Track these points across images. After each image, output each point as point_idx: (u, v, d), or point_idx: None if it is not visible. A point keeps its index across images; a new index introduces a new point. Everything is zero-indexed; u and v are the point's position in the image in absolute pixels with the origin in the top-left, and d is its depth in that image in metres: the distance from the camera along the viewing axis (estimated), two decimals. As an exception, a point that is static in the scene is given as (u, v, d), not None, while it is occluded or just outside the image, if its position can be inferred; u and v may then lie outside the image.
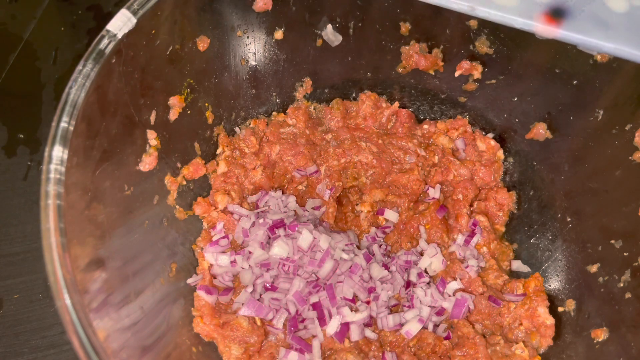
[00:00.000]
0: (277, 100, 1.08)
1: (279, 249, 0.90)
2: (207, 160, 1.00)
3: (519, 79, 0.97)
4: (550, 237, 0.98)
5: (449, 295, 0.93)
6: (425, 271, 0.96)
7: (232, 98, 1.02)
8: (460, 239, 0.99)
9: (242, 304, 0.88)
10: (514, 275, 1.00)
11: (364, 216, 1.05)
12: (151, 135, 0.85)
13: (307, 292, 0.89)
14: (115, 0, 1.33)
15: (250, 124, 1.06)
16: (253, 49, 1.00)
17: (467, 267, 0.95)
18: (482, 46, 0.97)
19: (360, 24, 1.00)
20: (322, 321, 0.88)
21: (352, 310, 0.89)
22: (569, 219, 0.95)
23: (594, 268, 0.89)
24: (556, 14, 0.67)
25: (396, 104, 1.09)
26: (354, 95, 1.11)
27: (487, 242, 1.00)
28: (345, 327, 0.88)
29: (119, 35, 0.72)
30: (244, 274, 0.92)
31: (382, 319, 0.90)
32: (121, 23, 0.72)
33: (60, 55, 1.25)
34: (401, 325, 0.90)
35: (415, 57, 1.03)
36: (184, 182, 0.95)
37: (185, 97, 0.91)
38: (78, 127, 0.65)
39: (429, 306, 0.92)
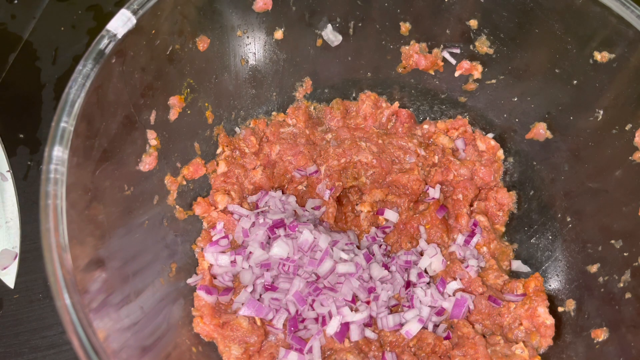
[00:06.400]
0: (277, 100, 1.08)
1: (279, 249, 0.90)
2: (207, 160, 1.00)
3: (519, 79, 0.97)
4: (550, 237, 0.98)
5: (449, 295, 0.93)
6: (425, 271, 0.96)
7: (232, 98, 1.02)
8: (460, 239, 0.99)
9: (242, 304, 0.88)
10: (514, 275, 1.00)
11: (364, 216, 1.05)
12: (151, 135, 0.85)
13: (307, 292, 0.89)
14: (115, 0, 1.33)
15: (250, 124, 1.06)
16: (253, 49, 1.00)
17: (467, 267, 0.95)
18: (482, 46, 0.97)
19: (360, 24, 1.00)
20: (322, 321, 0.88)
21: (352, 310, 0.89)
22: (569, 219, 0.95)
23: (594, 268, 0.89)
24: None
25: (396, 104, 1.09)
26: (354, 95, 1.11)
27: (487, 242, 1.00)
28: (345, 327, 0.88)
29: (119, 35, 0.72)
30: (244, 274, 0.92)
31: (382, 319, 0.90)
32: (121, 23, 0.72)
33: (60, 55, 1.25)
34: (401, 325, 0.90)
35: (415, 57, 1.03)
36: (184, 182, 0.95)
37: (185, 97, 0.91)
38: (78, 127, 0.65)
39: (429, 306, 0.92)
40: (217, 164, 1.00)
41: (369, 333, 0.89)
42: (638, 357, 0.76)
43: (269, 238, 0.93)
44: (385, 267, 0.96)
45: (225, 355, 0.85)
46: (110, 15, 0.72)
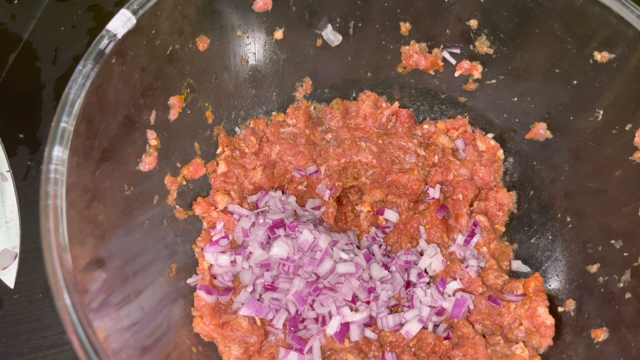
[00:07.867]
0: (277, 100, 1.08)
1: (279, 249, 0.90)
2: (207, 160, 1.00)
3: (519, 79, 0.97)
4: (550, 237, 0.98)
5: (449, 295, 0.93)
6: (425, 271, 0.96)
7: (232, 98, 1.02)
8: (460, 239, 0.99)
9: (242, 304, 0.88)
10: (514, 275, 1.00)
11: (364, 216, 1.05)
12: (151, 135, 0.85)
13: (307, 292, 0.89)
14: (115, 0, 1.33)
15: (250, 124, 1.06)
16: (253, 49, 1.00)
17: (467, 267, 0.95)
18: (482, 46, 0.97)
19: (360, 24, 1.00)
20: (322, 321, 0.88)
21: (352, 310, 0.89)
22: (569, 219, 0.95)
23: (594, 268, 0.89)
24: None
25: (396, 104, 1.09)
26: (354, 95, 1.11)
27: (487, 242, 1.00)
28: (345, 327, 0.88)
29: (119, 35, 0.72)
30: (244, 274, 0.92)
31: (382, 319, 0.90)
32: (121, 23, 0.72)
33: (60, 55, 1.25)
34: (401, 325, 0.90)
35: (415, 57, 1.03)
36: (184, 182, 0.95)
37: (185, 97, 0.91)
38: (78, 127, 0.65)
39: (429, 306, 0.92)
40: (217, 164, 1.00)
41: (369, 333, 0.89)
42: (638, 357, 0.76)
43: (269, 238, 0.93)
44: (385, 267, 0.95)
45: (225, 355, 0.85)
46: (110, 15, 0.72)
